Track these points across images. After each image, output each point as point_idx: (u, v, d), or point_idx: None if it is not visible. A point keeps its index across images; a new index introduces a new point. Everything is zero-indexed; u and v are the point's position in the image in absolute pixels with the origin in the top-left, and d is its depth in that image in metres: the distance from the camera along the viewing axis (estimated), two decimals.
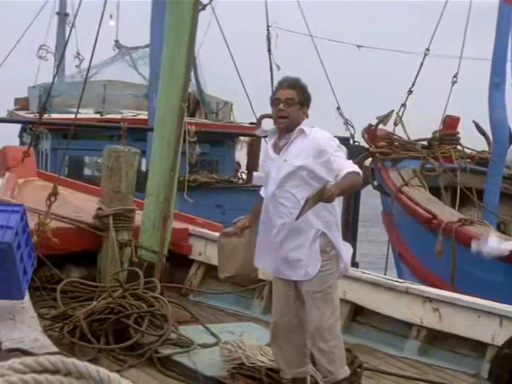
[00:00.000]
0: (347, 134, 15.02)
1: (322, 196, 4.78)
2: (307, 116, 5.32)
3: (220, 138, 15.69)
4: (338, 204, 5.27)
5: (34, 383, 1.60)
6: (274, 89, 5.40)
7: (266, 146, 5.42)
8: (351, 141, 14.98)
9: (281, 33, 13.93)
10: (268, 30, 13.25)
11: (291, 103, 5.19)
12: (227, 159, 15.82)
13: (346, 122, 15.03)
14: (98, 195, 8.17)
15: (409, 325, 6.95)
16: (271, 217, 5.22)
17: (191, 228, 8.58)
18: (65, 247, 7.57)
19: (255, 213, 5.55)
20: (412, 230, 11.25)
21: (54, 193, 7.46)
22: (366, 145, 12.71)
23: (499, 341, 6.13)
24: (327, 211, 5.13)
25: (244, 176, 15.97)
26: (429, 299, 6.83)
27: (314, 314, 5.12)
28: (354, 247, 9.94)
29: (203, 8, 7.00)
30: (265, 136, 5.69)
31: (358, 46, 17.66)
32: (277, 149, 5.26)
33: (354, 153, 13.92)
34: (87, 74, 9.74)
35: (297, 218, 4.86)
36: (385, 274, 11.70)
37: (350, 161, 5.20)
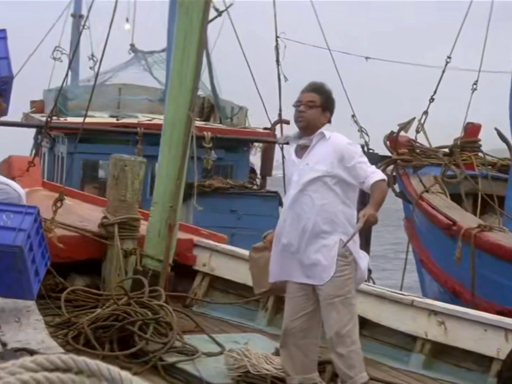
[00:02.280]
0: (361, 142, 15.05)
1: (368, 223, 4.94)
2: (329, 121, 5.37)
3: (235, 144, 15.71)
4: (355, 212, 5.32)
5: (45, 382, 1.58)
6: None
7: (289, 153, 5.46)
8: (365, 148, 14.99)
9: (289, 42, 13.98)
10: (276, 40, 13.28)
11: (312, 105, 5.28)
12: (241, 165, 15.82)
13: (361, 130, 15.05)
14: (103, 206, 8.17)
15: (414, 338, 6.91)
16: (290, 222, 5.24)
17: (196, 239, 8.57)
18: (70, 255, 7.56)
19: None
20: (432, 236, 11.27)
21: (60, 199, 7.45)
22: (380, 153, 12.76)
23: (505, 355, 6.09)
24: (348, 221, 5.19)
25: (258, 181, 16.00)
26: (434, 312, 6.80)
27: (333, 319, 5.14)
28: (368, 253, 9.95)
29: (219, 15, 7.02)
30: (287, 143, 5.72)
31: (366, 58, 17.69)
32: (300, 153, 5.32)
33: (369, 160, 13.94)
34: (96, 77, 9.82)
35: (344, 246, 5.01)
36: (402, 280, 11.75)
37: (374, 167, 5.26)
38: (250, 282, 7.93)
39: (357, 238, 5.24)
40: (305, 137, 5.33)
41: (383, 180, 5.19)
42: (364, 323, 7.28)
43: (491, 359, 6.38)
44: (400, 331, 6.99)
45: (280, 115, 14.40)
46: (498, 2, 12.71)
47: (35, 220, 4.60)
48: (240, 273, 8.02)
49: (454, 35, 12.73)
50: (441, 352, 6.81)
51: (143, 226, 7.78)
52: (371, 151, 14.58)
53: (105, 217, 7.72)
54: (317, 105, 5.28)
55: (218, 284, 8.33)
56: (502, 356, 6.16)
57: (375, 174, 5.16)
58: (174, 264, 7.73)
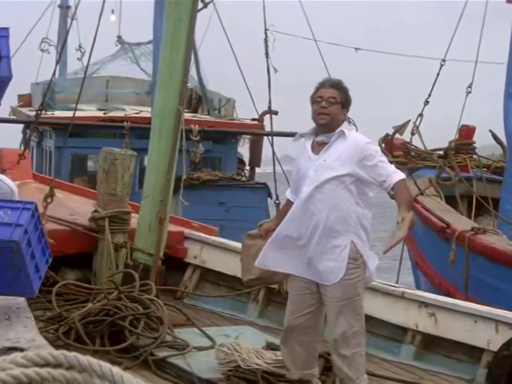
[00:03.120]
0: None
1: (410, 228, 4.92)
2: (345, 120, 5.32)
3: (223, 136, 15.68)
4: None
5: (36, 377, 1.59)
6: (314, 88, 5.36)
7: (302, 148, 5.32)
8: None
9: (279, 35, 13.93)
10: (265, 33, 13.24)
11: (334, 101, 5.21)
12: (230, 156, 15.79)
13: (349, 120, 15.06)
14: (94, 198, 8.16)
15: (404, 330, 6.94)
16: (301, 216, 5.17)
17: (187, 231, 8.57)
18: (61, 249, 7.52)
19: (282, 216, 5.52)
20: (427, 238, 11.31)
21: (51, 195, 7.44)
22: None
23: (495, 347, 6.12)
24: (359, 221, 5.15)
25: (247, 173, 15.97)
26: (425, 304, 6.82)
27: (339, 322, 5.09)
28: None
29: (205, 6, 7.01)
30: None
31: (356, 49, 17.65)
32: (316, 149, 5.24)
33: None
34: (85, 71, 9.77)
35: (385, 252, 5.00)
36: (397, 281, 11.78)
37: (393, 166, 5.26)
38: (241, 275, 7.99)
39: (366, 238, 5.21)
40: (322, 133, 5.24)
41: (405, 179, 5.18)
42: None
43: (481, 350, 6.40)
44: (391, 323, 7.01)
45: (269, 107, 14.39)
46: (492, 2, 12.73)
47: (33, 216, 4.58)
48: (231, 266, 8.02)
49: (449, 34, 12.74)
50: (431, 344, 6.83)
51: (134, 220, 7.78)
52: None
53: (95, 211, 7.72)
54: (338, 102, 5.21)
55: (209, 276, 8.34)
56: (493, 347, 6.20)
57: (397, 174, 5.13)
58: (165, 256, 7.73)
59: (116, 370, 1.61)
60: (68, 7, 23.09)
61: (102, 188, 7.72)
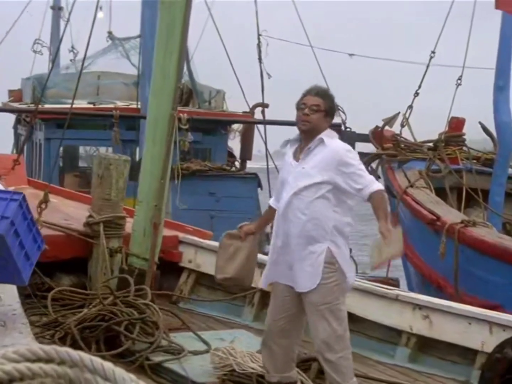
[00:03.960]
0: (338, 120, 15.08)
1: (385, 240, 5.00)
2: (328, 127, 5.36)
3: (212, 127, 15.63)
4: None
5: (28, 372, 1.60)
6: (301, 95, 5.43)
7: (287, 154, 5.41)
8: (342, 127, 15.01)
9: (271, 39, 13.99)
10: (258, 38, 13.27)
11: (317, 109, 5.26)
12: (220, 148, 15.72)
13: (337, 108, 15.06)
14: (88, 203, 8.17)
15: (399, 332, 6.95)
16: (282, 223, 5.25)
17: (181, 235, 8.58)
18: (56, 254, 7.54)
19: (263, 220, 5.60)
20: (417, 231, 11.36)
21: (45, 201, 7.45)
22: (358, 131, 12.81)
23: (489, 348, 6.13)
24: (336, 229, 5.18)
25: (237, 165, 15.94)
26: (419, 306, 6.84)
27: (321, 326, 5.12)
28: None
29: None
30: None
31: (350, 55, 17.73)
32: (297, 156, 5.31)
33: (346, 138, 14.04)
34: (82, 66, 9.77)
35: (373, 268, 5.08)
36: (387, 274, 11.83)
37: (372, 177, 5.28)
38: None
39: (344, 245, 5.24)
40: (304, 140, 5.30)
41: (383, 190, 5.21)
42: (349, 318, 7.29)
43: (475, 352, 6.42)
44: (385, 325, 7.03)
45: (263, 112, 14.40)
46: (480, 2, 12.81)
47: (20, 206, 4.60)
48: None
49: (439, 34, 12.80)
50: (426, 346, 6.85)
51: (128, 224, 7.79)
52: (348, 129, 14.58)
53: (90, 216, 7.73)
54: (321, 110, 5.27)
55: (204, 280, 8.35)
56: (487, 349, 6.22)
57: (375, 184, 5.17)
58: (159, 261, 7.73)
59: (107, 365, 1.62)
60: (60, 8, 23.06)
61: (97, 193, 7.73)
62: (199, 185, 13.85)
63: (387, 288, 7.30)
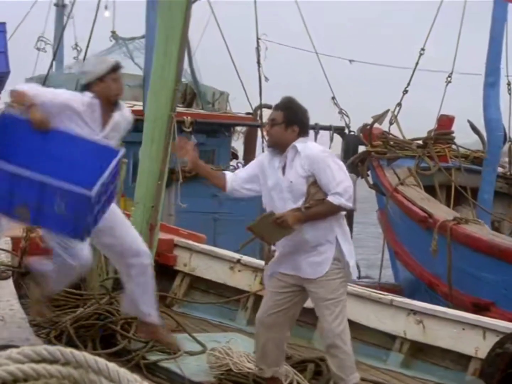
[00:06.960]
0: (342, 124, 15.09)
1: (281, 222, 5.12)
2: (303, 134, 5.40)
3: (216, 129, 15.60)
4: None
5: (32, 373, 1.60)
6: None
7: (273, 165, 5.45)
8: (346, 131, 15.02)
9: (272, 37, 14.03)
10: (257, 42, 13.28)
11: (274, 123, 5.39)
12: (223, 150, 15.66)
13: (341, 112, 15.07)
14: None
15: (393, 338, 6.97)
16: None
17: (176, 239, 8.58)
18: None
19: (208, 173, 5.75)
20: (407, 228, 11.37)
21: None
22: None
23: (483, 354, 6.16)
24: (338, 224, 5.33)
25: (241, 166, 15.91)
26: (413, 311, 6.86)
27: (326, 321, 5.26)
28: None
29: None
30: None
31: (350, 61, 17.79)
32: (280, 168, 5.37)
33: (350, 142, 14.05)
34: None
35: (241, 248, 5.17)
36: (380, 273, 11.81)
37: (344, 185, 5.23)
38: (230, 282, 8.00)
39: (347, 236, 5.38)
40: (280, 154, 5.38)
41: (338, 206, 5.20)
42: None
43: (469, 358, 6.44)
44: (379, 330, 7.04)
45: (261, 116, 14.40)
46: (470, 3, 12.91)
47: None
48: (220, 273, 8.06)
49: (434, 35, 12.86)
50: (419, 351, 6.87)
51: None
52: (352, 133, 14.60)
53: None
54: (279, 123, 5.36)
55: (199, 284, 8.35)
56: (480, 354, 6.24)
57: (337, 196, 5.17)
58: (154, 264, 7.70)
59: (112, 365, 1.63)
60: (64, 5, 23.01)
61: None
62: (202, 187, 13.80)
63: (381, 294, 7.31)
